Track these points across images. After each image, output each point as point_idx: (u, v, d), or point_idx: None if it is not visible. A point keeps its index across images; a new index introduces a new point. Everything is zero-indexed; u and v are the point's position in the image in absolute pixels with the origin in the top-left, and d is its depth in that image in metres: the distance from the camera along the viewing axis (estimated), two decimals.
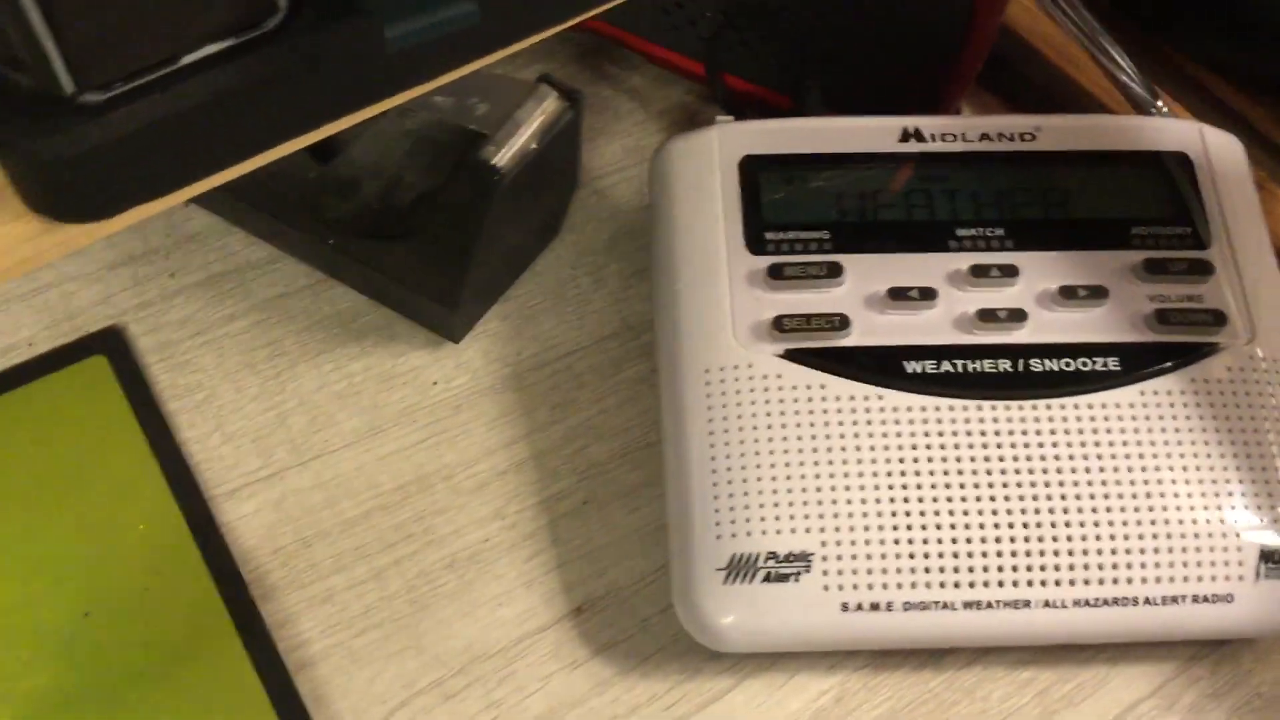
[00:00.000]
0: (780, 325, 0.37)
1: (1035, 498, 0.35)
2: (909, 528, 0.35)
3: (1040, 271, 0.38)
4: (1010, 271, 0.38)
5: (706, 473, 0.36)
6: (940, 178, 0.40)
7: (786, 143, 0.41)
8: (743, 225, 0.39)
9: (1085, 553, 0.35)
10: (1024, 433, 0.36)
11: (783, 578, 0.35)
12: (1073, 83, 0.47)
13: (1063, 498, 0.35)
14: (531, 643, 0.38)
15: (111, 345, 0.42)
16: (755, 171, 0.40)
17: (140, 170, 0.29)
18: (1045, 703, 0.37)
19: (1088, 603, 0.35)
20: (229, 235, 0.45)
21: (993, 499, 0.35)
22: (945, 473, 0.36)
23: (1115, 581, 0.35)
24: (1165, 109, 0.42)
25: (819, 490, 0.35)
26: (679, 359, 0.38)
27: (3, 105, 0.27)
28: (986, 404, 0.36)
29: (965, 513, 0.35)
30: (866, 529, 0.35)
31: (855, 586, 0.35)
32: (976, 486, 0.35)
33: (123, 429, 0.40)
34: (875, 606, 0.35)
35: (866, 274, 0.38)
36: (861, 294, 0.38)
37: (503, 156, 0.37)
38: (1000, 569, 0.35)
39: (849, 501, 0.35)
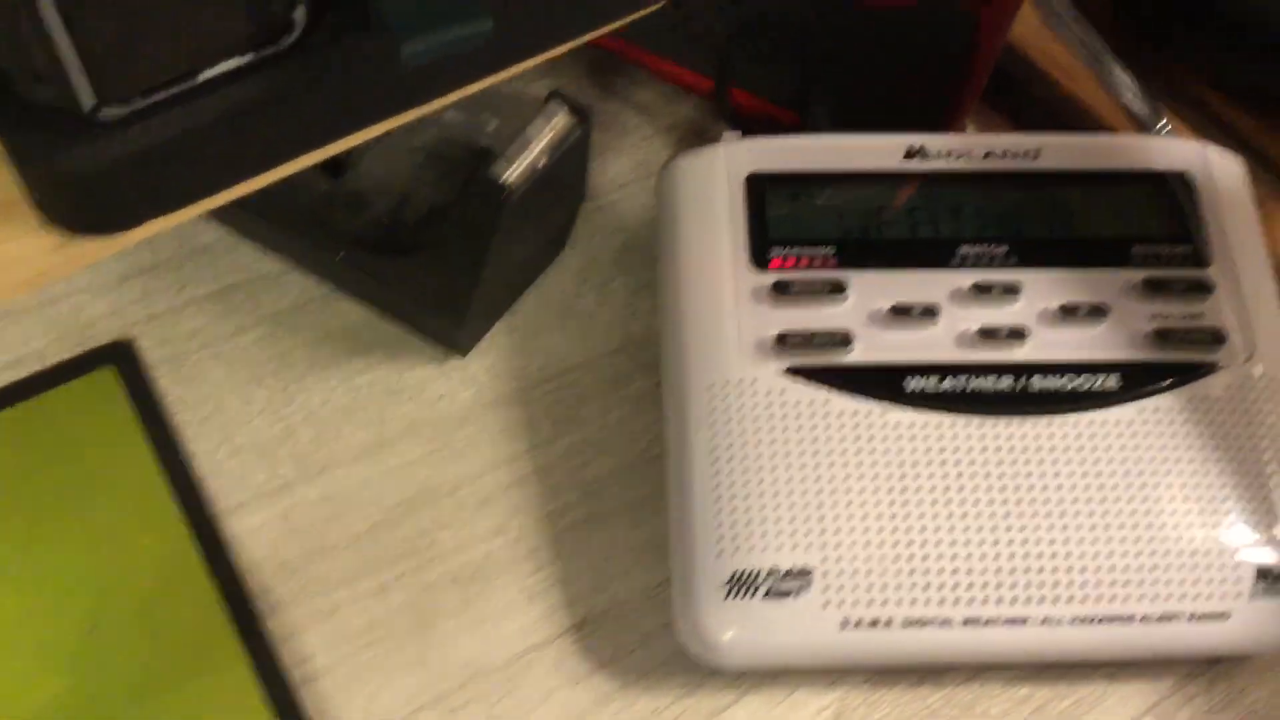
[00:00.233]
0: (784, 342, 0.38)
1: (1034, 515, 0.36)
2: (909, 544, 0.35)
3: (1042, 290, 0.38)
4: (1012, 289, 0.38)
5: (709, 488, 0.36)
6: (944, 195, 0.40)
7: (792, 160, 0.41)
8: (748, 241, 0.39)
9: (1083, 570, 0.35)
10: (1023, 450, 0.36)
11: (783, 594, 0.35)
12: (1078, 101, 0.47)
13: (1061, 515, 0.36)
14: (534, 658, 0.38)
15: (121, 357, 0.42)
16: (760, 188, 0.40)
17: (158, 185, 0.30)
18: (1042, 719, 0.37)
19: (1085, 620, 0.35)
20: (239, 248, 0.45)
21: (991, 516, 0.36)
22: (945, 490, 0.36)
23: (1112, 599, 0.35)
24: (1169, 128, 0.42)
25: (820, 506, 0.36)
26: (683, 374, 0.38)
27: (24, 119, 0.27)
28: (987, 421, 0.37)
29: (964, 529, 0.35)
30: (866, 545, 0.35)
31: (855, 603, 0.35)
32: (976, 504, 0.36)
33: (130, 442, 0.40)
34: (875, 623, 0.35)
35: (870, 291, 0.38)
36: (865, 311, 0.38)
37: (512, 173, 0.37)
38: (999, 586, 0.35)
39: (849, 518, 0.35)
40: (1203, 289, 0.39)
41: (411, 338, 0.44)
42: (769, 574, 0.35)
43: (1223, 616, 0.35)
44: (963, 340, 0.38)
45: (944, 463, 0.36)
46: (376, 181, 0.41)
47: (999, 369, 0.37)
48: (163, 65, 0.28)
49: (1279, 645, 0.36)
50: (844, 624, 0.35)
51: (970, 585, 0.35)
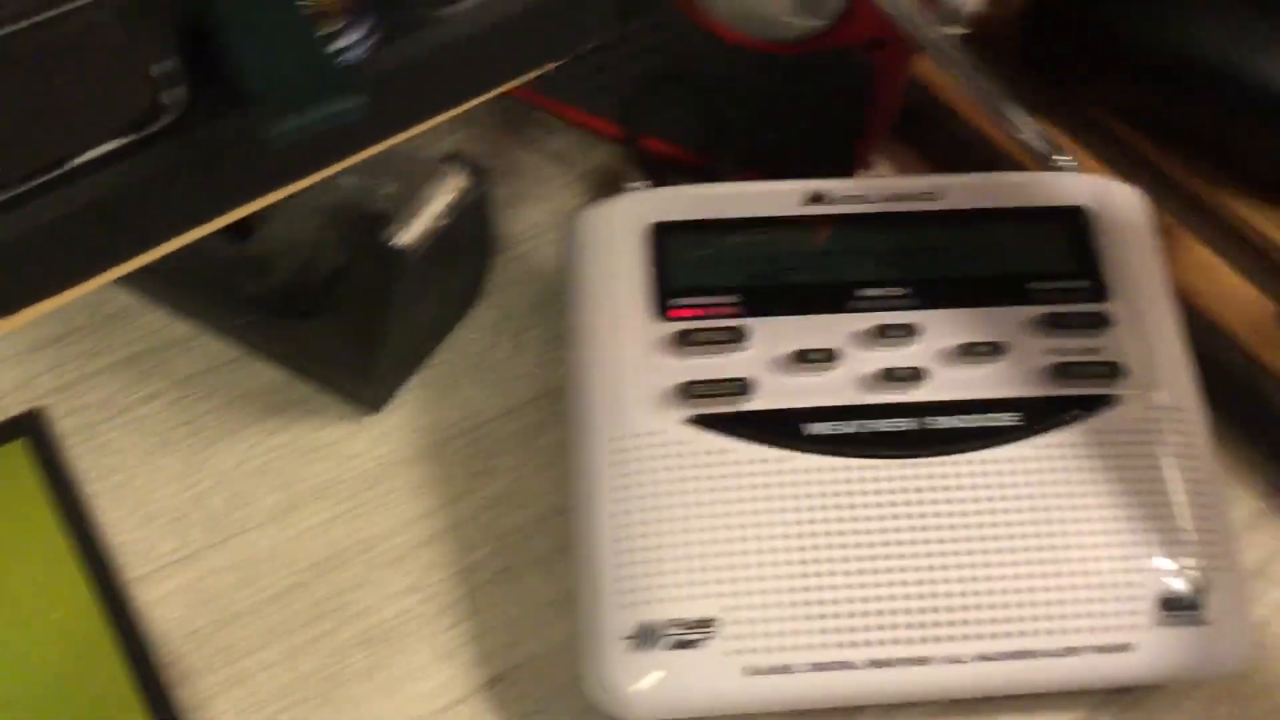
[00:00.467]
0: (687, 391, 0.38)
1: (933, 554, 0.36)
2: (810, 589, 0.35)
3: (941, 330, 0.39)
4: (910, 330, 0.38)
5: (611, 540, 0.36)
6: (845, 239, 0.41)
7: (694, 209, 0.41)
8: (651, 292, 0.39)
9: (985, 607, 0.35)
10: (923, 490, 0.36)
11: (687, 644, 0.35)
12: (985, 137, 0.48)
13: (962, 553, 0.36)
14: (448, 716, 0.38)
15: (31, 429, 0.42)
16: (663, 238, 0.40)
17: (37, 268, 0.30)
18: None
19: (988, 657, 0.35)
20: (150, 313, 0.45)
21: (889, 557, 0.36)
22: (846, 533, 0.36)
23: (1015, 635, 0.35)
24: (1072, 162, 0.42)
25: (722, 555, 0.36)
26: (587, 427, 0.38)
27: None
28: (888, 463, 0.37)
29: (865, 571, 0.35)
30: (768, 592, 0.35)
31: (758, 650, 0.35)
32: (874, 545, 0.36)
33: (40, 514, 0.40)
34: (780, 669, 0.35)
35: (772, 337, 0.39)
36: (767, 357, 0.38)
37: (405, 236, 0.37)
38: (901, 626, 0.35)
39: (751, 566, 0.36)
40: (1100, 323, 0.39)
41: (324, 397, 0.44)
42: (672, 625, 0.35)
43: (1126, 648, 0.36)
44: (863, 383, 0.38)
45: (845, 506, 0.36)
46: (281, 244, 0.41)
47: (899, 410, 0.38)
48: (29, 156, 0.28)
49: (1185, 674, 0.36)
50: (748, 671, 0.35)
51: (871, 627, 0.35)
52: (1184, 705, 0.39)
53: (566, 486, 0.39)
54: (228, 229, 0.33)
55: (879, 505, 0.36)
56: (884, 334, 0.38)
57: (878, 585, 0.35)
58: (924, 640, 0.35)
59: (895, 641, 0.35)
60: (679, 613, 0.35)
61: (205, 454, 0.42)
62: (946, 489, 0.37)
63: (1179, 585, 0.36)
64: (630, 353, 0.39)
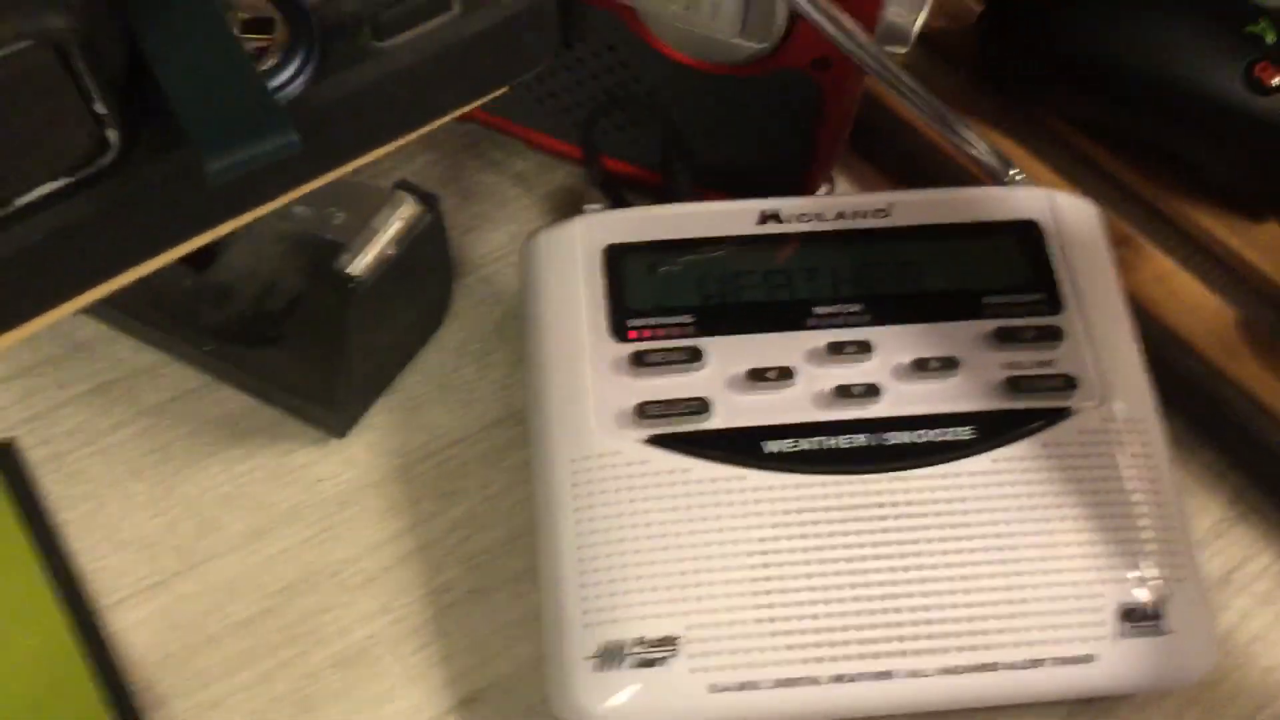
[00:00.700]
0: (644, 412, 0.38)
1: (894, 569, 0.36)
2: (772, 605, 0.36)
3: (895, 346, 0.39)
4: (865, 347, 0.39)
5: (574, 560, 0.37)
6: (799, 257, 0.41)
7: (650, 230, 0.42)
8: (606, 313, 0.40)
9: (944, 621, 0.36)
10: (880, 505, 0.37)
11: (650, 662, 0.35)
12: (940, 151, 0.48)
13: (920, 568, 0.36)
14: None
15: (2, 460, 0.42)
16: (618, 259, 0.41)
17: None
18: None
19: (951, 671, 0.36)
20: (117, 342, 0.45)
21: (851, 573, 0.36)
22: (806, 549, 0.36)
23: (976, 648, 0.36)
24: (1020, 176, 0.43)
25: (684, 574, 0.36)
26: (547, 449, 0.38)
27: None
28: (845, 479, 0.37)
29: (826, 587, 0.36)
30: (729, 609, 0.36)
31: (722, 667, 0.35)
32: (836, 561, 0.36)
33: (13, 543, 0.41)
34: (744, 686, 0.35)
35: (728, 356, 0.39)
36: (723, 376, 0.39)
37: (357, 265, 0.38)
38: (863, 642, 0.36)
39: (713, 583, 0.36)
40: (1053, 336, 0.40)
41: (292, 423, 0.44)
42: (635, 643, 0.36)
43: (1087, 659, 0.36)
44: (819, 400, 0.39)
45: (804, 522, 0.37)
46: (241, 273, 0.42)
47: (854, 426, 0.38)
48: None
49: (1148, 684, 0.37)
50: (713, 689, 0.35)
51: (834, 643, 0.36)
52: (1153, 713, 0.39)
53: (531, 507, 0.40)
54: (187, 259, 0.33)
55: (838, 521, 0.37)
56: (839, 351, 0.39)
57: (840, 601, 0.36)
58: (887, 655, 0.36)
59: (859, 656, 0.36)
60: (642, 631, 0.36)
61: (173, 481, 0.43)
62: (906, 503, 0.37)
63: (1139, 595, 0.36)
64: (588, 374, 0.39)
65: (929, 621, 0.36)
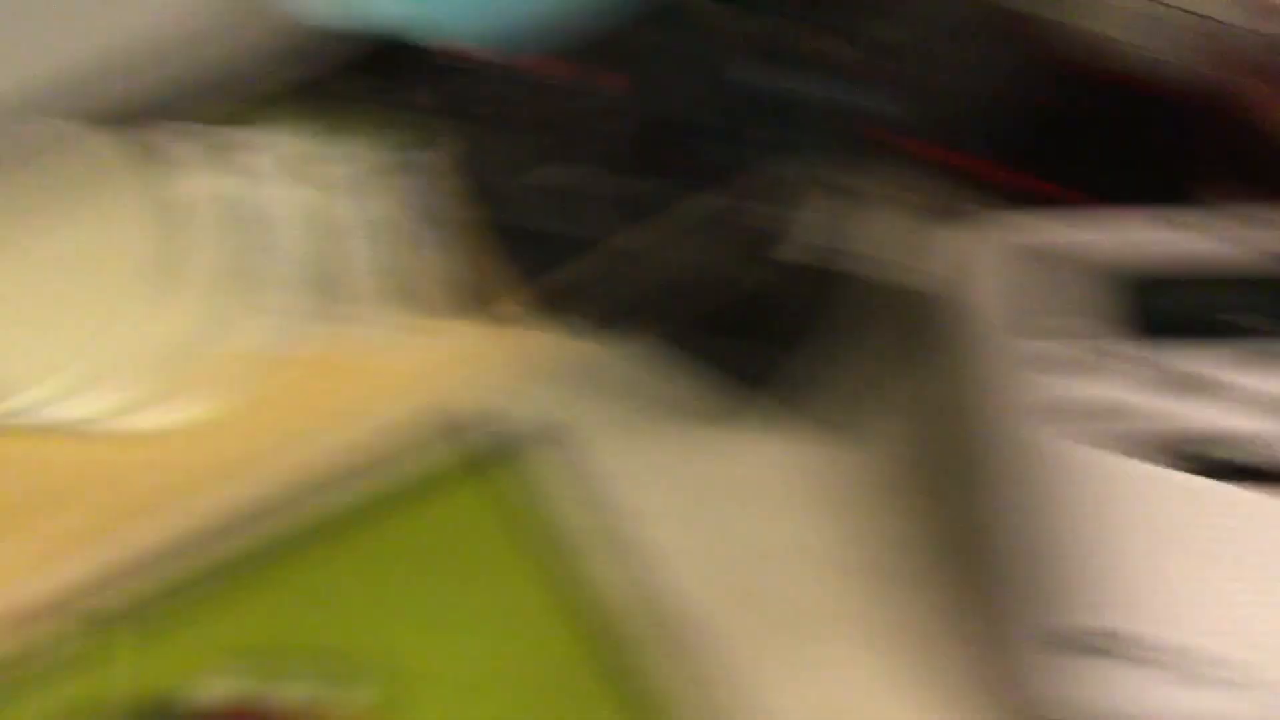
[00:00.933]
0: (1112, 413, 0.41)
1: None
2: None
3: None
4: None
5: (1032, 546, 0.40)
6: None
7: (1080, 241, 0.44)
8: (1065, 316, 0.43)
9: None
10: None
11: (1126, 657, 0.38)
12: None
13: None
14: None
15: (557, 442, 0.47)
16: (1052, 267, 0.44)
17: None
18: None
19: None
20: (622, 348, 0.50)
21: None
22: None
23: None
24: None
25: (1174, 578, 0.38)
26: (1009, 440, 0.42)
27: None
28: None
29: None
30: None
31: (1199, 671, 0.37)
32: None
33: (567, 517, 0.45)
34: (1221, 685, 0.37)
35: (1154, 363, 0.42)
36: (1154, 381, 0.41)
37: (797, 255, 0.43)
38: None
39: (1209, 592, 0.38)
40: None
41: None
42: (1112, 636, 0.38)
43: None
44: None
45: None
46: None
47: None
48: None
49: None
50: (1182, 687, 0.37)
51: None
52: None
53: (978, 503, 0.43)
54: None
55: None
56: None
57: None
58: None
59: None
60: (1120, 624, 0.38)
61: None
62: None
63: None
64: (1044, 376, 0.42)
65: None
